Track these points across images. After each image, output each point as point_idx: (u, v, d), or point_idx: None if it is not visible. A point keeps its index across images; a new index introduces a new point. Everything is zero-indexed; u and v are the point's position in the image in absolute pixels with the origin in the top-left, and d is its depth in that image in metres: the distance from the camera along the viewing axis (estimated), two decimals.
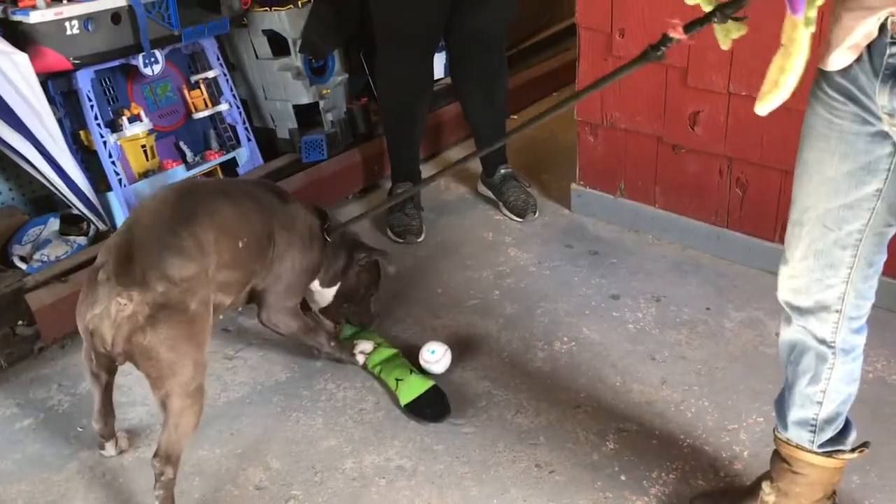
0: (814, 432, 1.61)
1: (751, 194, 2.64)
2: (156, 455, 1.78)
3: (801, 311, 1.53)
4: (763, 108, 1.29)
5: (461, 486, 1.94)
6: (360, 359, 2.29)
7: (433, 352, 2.27)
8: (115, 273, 1.72)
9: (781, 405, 1.66)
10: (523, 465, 2.00)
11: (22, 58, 2.34)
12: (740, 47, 2.44)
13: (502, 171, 3.16)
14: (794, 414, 1.62)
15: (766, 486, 1.71)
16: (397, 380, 2.20)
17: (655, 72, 2.68)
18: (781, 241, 2.56)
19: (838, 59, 1.31)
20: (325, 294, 2.31)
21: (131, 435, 2.13)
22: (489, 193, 3.23)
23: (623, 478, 1.94)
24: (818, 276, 1.47)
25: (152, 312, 1.71)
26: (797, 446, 1.63)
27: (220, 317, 2.24)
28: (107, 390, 1.98)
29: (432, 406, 2.15)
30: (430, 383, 2.18)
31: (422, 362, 2.26)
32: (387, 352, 2.30)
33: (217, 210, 1.94)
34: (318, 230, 2.21)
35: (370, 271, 2.37)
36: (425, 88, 3.00)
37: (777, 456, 1.69)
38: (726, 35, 1.33)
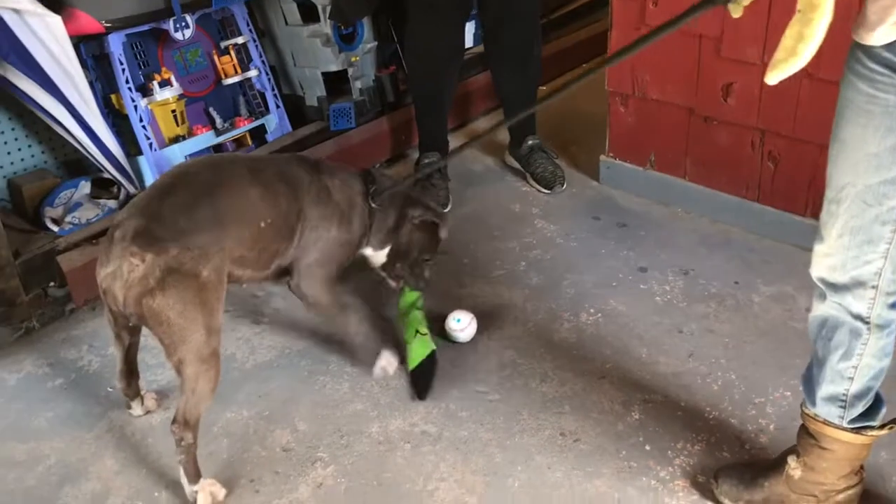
0: (844, 408, 1.59)
1: (783, 168, 2.60)
2: (174, 421, 1.80)
3: (837, 288, 1.51)
4: (775, 76, 1.27)
5: (485, 453, 1.95)
6: (378, 373, 2.18)
7: (458, 320, 2.27)
8: (131, 233, 1.74)
9: (810, 381, 1.65)
10: (548, 433, 2.00)
11: (55, 20, 2.35)
12: (777, 17, 2.42)
13: (530, 142, 3.14)
14: (824, 390, 1.60)
15: (791, 460, 1.70)
16: (417, 331, 2.21)
17: (688, 42, 2.64)
18: (813, 215, 2.57)
19: (883, 35, 1.28)
20: (377, 256, 2.26)
21: (160, 396, 2.16)
22: (517, 165, 3.21)
23: (647, 448, 1.94)
24: (855, 252, 1.46)
25: (163, 276, 1.72)
26: (825, 422, 1.62)
27: (244, 286, 2.24)
28: (129, 351, 2.00)
29: (421, 374, 2.14)
30: (432, 346, 2.18)
31: (448, 330, 2.27)
32: (409, 299, 2.30)
33: (242, 189, 1.93)
34: (359, 198, 2.15)
35: (424, 231, 2.25)
36: (455, 57, 2.98)
37: (804, 431, 1.68)
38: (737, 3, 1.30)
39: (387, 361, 2.18)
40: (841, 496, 1.69)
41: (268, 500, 1.86)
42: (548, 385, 2.15)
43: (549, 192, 3.05)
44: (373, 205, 2.15)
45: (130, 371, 2.04)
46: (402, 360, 2.20)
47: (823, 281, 1.53)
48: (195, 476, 1.84)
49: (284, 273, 2.10)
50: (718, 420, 2.01)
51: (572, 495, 1.83)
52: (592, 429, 2.01)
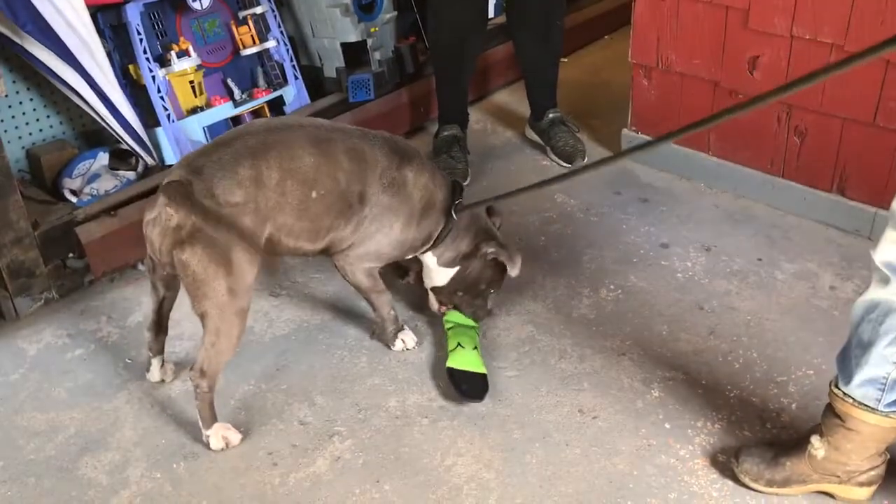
0: (882, 391, 1.57)
1: (809, 143, 2.56)
2: (192, 368, 1.86)
3: None
4: None
5: (503, 429, 1.94)
6: (398, 346, 2.18)
7: None
8: (171, 182, 1.76)
9: (847, 362, 1.61)
10: (566, 410, 1.99)
11: None
12: None
13: (551, 115, 3.09)
14: (865, 372, 1.57)
15: (815, 439, 1.68)
16: (459, 344, 2.12)
17: (714, 13, 2.59)
18: (839, 191, 2.53)
19: None
20: (440, 273, 2.16)
21: (178, 367, 2.16)
22: (536, 138, 3.17)
23: (667, 426, 1.93)
24: None
25: (193, 230, 1.74)
26: (858, 404, 1.59)
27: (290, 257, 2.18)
28: (162, 304, 2.02)
29: (471, 385, 2.04)
30: (483, 370, 2.07)
31: None
32: (468, 321, 2.21)
33: (296, 154, 1.88)
34: (441, 204, 2.07)
35: (494, 268, 2.16)
36: (478, 28, 2.94)
37: (830, 411, 1.66)
38: None
39: (408, 338, 2.19)
40: (863, 477, 1.67)
41: (286, 473, 1.86)
42: (566, 361, 2.13)
43: (569, 166, 3.01)
44: (453, 216, 2.07)
45: (160, 325, 2.05)
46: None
47: (890, 266, 1.49)
48: (210, 421, 1.90)
49: (329, 250, 2.06)
50: (739, 398, 1.99)
51: (590, 473, 1.82)
52: (611, 406, 1.99)
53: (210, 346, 1.84)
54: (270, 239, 1.89)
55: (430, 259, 2.15)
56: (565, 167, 3.01)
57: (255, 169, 1.82)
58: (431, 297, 2.24)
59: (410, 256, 2.15)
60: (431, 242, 2.11)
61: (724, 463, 1.81)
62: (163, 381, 2.13)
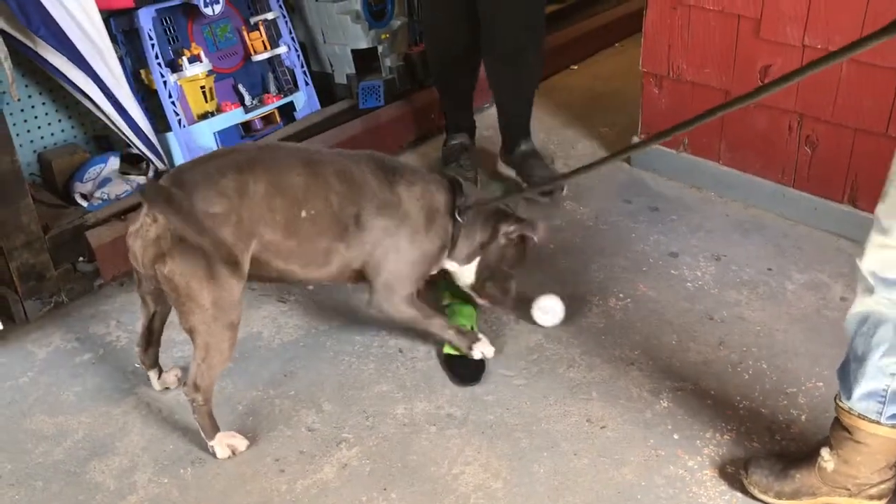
0: (883, 403, 1.56)
1: (821, 153, 2.54)
2: (184, 383, 1.87)
3: (889, 283, 1.47)
4: None
5: (511, 438, 1.94)
6: (477, 354, 2.10)
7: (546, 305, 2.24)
8: (152, 194, 1.73)
9: (846, 376, 1.60)
10: (574, 420, 1.98)
11: None
12: None
13: (523, 147, 2.90)
14: (863, 386, 1.56)
15: (825, 452, 1.67)
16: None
17: (726, 23, 2.58)
18: (850, 202, 2.52)
19: None
20: (465, 272, 2.13)
21: (184, 373, 2.16)
22: (510, 172, 2.97)
23: (676, 437, 1.92)
24: None
25: (173, 242, 1.71)
26: (862, 416, 1.58)
27: (310, 287, 2.10)
28: (153, 319, 2.00)
29: (467, 369, 2.10)
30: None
31: (538, 311, 2.25)
32: (464, 301, 2.24)
33: (285, 171, 1.85)
34: (442, 209, 2.02)
35: (517, 246, 2.12)
36: (471, 49, 2.81)
37: (838, 424, 1.65)
38: None
39: (485, 347, 2.11)
40: (874, 490, 1.66)
41: (293, 480, 1.86)
42: (575, 371, 2.13)
43: (548, 199, 2.83)
44: (459, 219, 2.03)
45: (149, 340, 2.04)
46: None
47: (875, 275, 1.48)
48: (211, 431, 1.90)
49: (363, 277, 2.02)
50: (749, 409, 1.98)
51: (598, 483, 1.81)
52: (620, 416, 1.98)
53: (201, 360, 1.82)
54: (258, 258, 1.85)
55: (450, 265, 2.12)
56: (543, 201, 2.83)
57: (239, 181, 1.79)
58: (476, 297, 2.20)
59: (436, 270, 2.10)
60: (447, 249, 2.07)
61: (734, 474, 1.80)
62: (167, 388, 2.13)
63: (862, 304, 1.53)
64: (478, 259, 2.11)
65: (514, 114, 2.89)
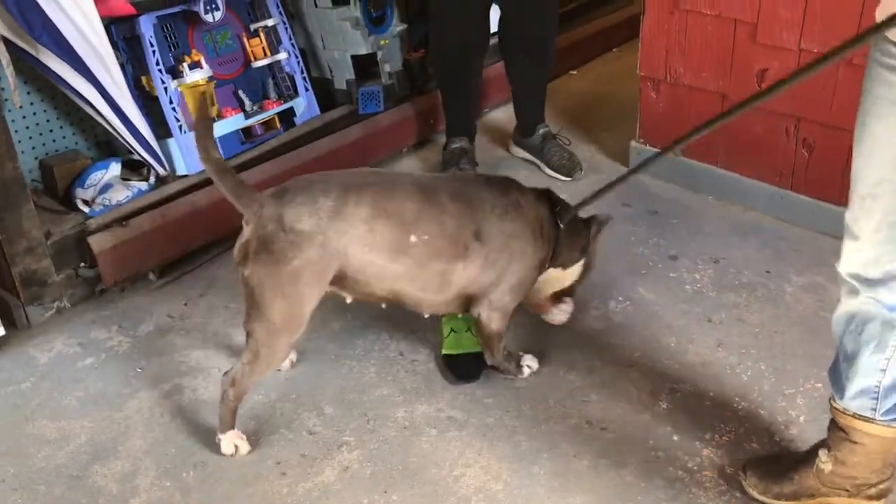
0: (876, 400, 1.57)
1: (818, 155, 2.56)
2: (226, 373, 1.90)
3: (871, 283, 1.49)
4: None
5: (512, 440, 1.95)
6: (526, 372, 2.12)
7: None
8: (259, 199, 1.78)
9: (838, 376, 1.62)
10: (574, 422, 1.99)
11: (87, 1, 2.35)
12: (815, 1, 2.37)
13: (541, 130, 3.09)
14: (856, 384, 1.57)
15: (822, 453, 1.68)
16: (452, 329, 2.19)
17: (723, 27, 2.60)
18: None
19: None
20: (565, 275, 2.11)
21: (189, 376, 2.17)
22: (526, 155, 3.16)
23: (675, 438, 1.93)
24: (892, 246, 1.43)
25: (258, 248, 1.75)
26: (856, 416, 1.59)
27: (426, 315, 2.05)
28: None
29: (465, 368, 2.12)
30: (478, 348, 2.12)
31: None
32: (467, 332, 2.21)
33: (396, 196, 1.84)
34: (548, 218, 2.00)
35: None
36: (481, 43, 2.93)
37: (834, 425, 1.66)
38: None
39: (530, 360, 2.13)
40: (872, 490, 1.67)
41: (294, 483, 1.87)
42: (575, 373, 2.14)
43: (569, 179, 3.02)
44: (561, 225, 2.01)
45: None
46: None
47: (856, 277, 1.50)
48: (227, 426, 1.93)
49: (469, 300, 1.98)
50: (748, 411, 1.99)
51: (598, 484, 1.82)
52: (620, 417, 1.99)
53: (247, 362, 1.85)
54: (355, 277, 1.84)
55: (553, 272, 2.08)
56: (565, 181, 3.01)
57: (339, 201, 1.77)
58: (552, 308, 2.17)
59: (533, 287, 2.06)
60: (549, 258, 2.03)
61: (733, 475, 1.81)
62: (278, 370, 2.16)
63: (847, 305, 1.55)
64: (582, 261, 2.11)
65: (532, 99, 3.07)
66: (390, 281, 1.87)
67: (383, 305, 1.97)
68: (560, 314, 2.17)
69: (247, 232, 1.79)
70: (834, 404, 1.64)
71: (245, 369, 1.86)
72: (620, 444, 1.92)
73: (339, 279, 1.84)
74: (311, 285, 1.80)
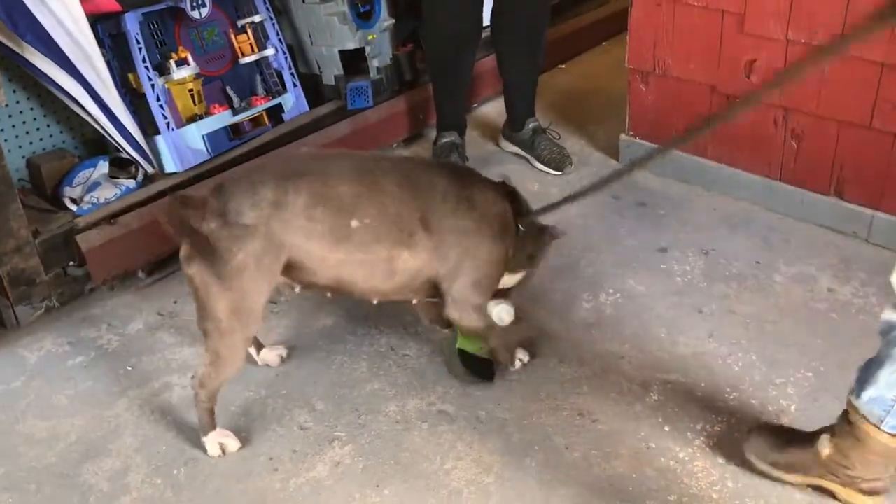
0: (887, 413, 1.56)
1: (806, 146, 2.56)
2: (193, 376, 1.88)
3: None
4: None
5: (503, 432, 1.95)
6: (517, 364, 2.10)
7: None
8: (197, 198, 1.75)
9: (865, 373, 1.59)
10: (565, 414, 1.99)
11: None
12: None
13: (531, 124, 3.10)
14: (873, 390, 1.56)
15: (824, 437, 1.67)
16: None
17: (710, 18, 2.60)
18: (836, 194, 2.54)
19: None
20: (505, 281, 2.04)
21: (179, 373, 2.17)
22: (516, 149, 3.16)
23: (667, 429, 1.93)
24: None
25: (200, 246, 1.72)
26: (864, 418, 1.59)
27: (375, 301, 1.99)
28: None
29: (482, 366, 2.09)
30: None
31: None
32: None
33: (331, 181, 1.80)
34: (510, 217, 1.95)
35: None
36: (474, 35, 2.94)
37: (845, 415, 1.65)
38: None
39: (522, 355, 2.12)
40: (865, 485, 1.67)
41: (286, 478, 1.86)
42: (566, 365, 2.14)
43: (559, 173, 3.02)
44: (521, 228, 1.97)
45: None
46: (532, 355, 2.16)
47: None
48: (208, 428, 1.92)
49: (434, 292, 1.94)
50: (739, 401, 1.99)
51: (590, 476, 1.82)
52: (611, 409, 1.99)
53: (209, 363, 1.83)
54: (300, 267, 1.81)
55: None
56: (555, 174, 3.02)
57: (277, 191, 1.75)
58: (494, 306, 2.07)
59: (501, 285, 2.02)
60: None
61: (724, 465, 1.82)
62: (267, 365, 2.19)
63: (890, 315, 1.53)
64: (526, 271, 2.07)
65: (524, 93, 3.08)
66: (335, 268, 1.83)
67: (328, 294, 1.93)
68: (503, 314, 2.03)
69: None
70: (850, 396, 1.63)
71: (209, 370, 1.83)
72: (612, 435, 1.92)
73: (287, 268, 1.81)
74: (257, 279, 1.76)
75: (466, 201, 1.88)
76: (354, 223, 1.79)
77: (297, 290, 1.93)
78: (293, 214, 1.76)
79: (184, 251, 1.76)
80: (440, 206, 1.86)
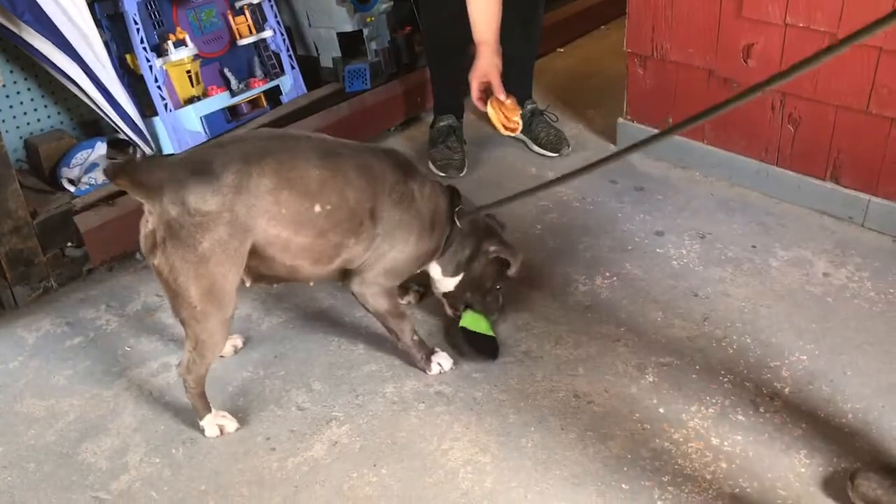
0: None
1: (803, 131, 2.57)
2: (178, 364, 1.90)
3: None
4: None
5: (500, 413, 1.96)
6: (435, 369, 2.08)
7: None
8: (154, 185, 1.68)
9: None
10: (561, 395, 2.01)
11: None
12: None
13: (529, 106, 3.11)
14: None
15: None
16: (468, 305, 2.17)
17: (708, 2, 2.60)
18: (833, 179, 2.55)
19: None
20: (446, 283, 2.12)
21: (177, 354, 2.18)
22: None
23: (661, 410, 1.95)
24: None
25: (164, 236, 1.69)
26: None
27: (311, 284, 2.08)
28: None
29: (486, 344, 2.11)
30: (493, 333, 2.15)
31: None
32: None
33: (298, 164, 1.78)
34: (445, 213, 2.01)
35: (497, 264, 2.12)
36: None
37: None
38: None
39: (442, 359, 2.10)
40: None
41: (283, 458, 1.88)
42: (562, 347, 2.15)
43: (556, 155, 3.03)
44: (458, 224, 2.02)
45: None
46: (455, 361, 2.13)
47: None
48: (203, 411, 1.93)
49: (346, 273, 1.98)
50: (733, 383, 2.01)
51: (585, 457, 1.84)
52: (606, 391, 2.01)
53: (191, 349, 1.82)
54: (263, 254, 1.80)
55: (434, 270, 2.10)
56: (552, 156, 3.04)
57: (239, 175, 1.71)
58: (445, 303, 2.20)
59: (419, 271, 2.08)
60: (438, 252, 2.05)
61: (718, 446, 1.83)
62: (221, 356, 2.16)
63: None
64: (462, 275, 2.11)
65: (521, 72, 3.06)
66: (293, 255, 1.83)
67: (274, 286, 1.92)
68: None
69: (151, 221, 1.71)
70: None
71: (192, 356, 1.83)
72: (607, 416, 1.94)
73: (251, 254, 1.79)
74: (225, 265, 1.73)
75: (409, 195, 1.93)
76: (318, 208, 1.80)
77: (248, 284, 1.91)
78: (257, 198, 1.73)
79: (146, 242, 1.74)
80: (387, 198, 1.90)
